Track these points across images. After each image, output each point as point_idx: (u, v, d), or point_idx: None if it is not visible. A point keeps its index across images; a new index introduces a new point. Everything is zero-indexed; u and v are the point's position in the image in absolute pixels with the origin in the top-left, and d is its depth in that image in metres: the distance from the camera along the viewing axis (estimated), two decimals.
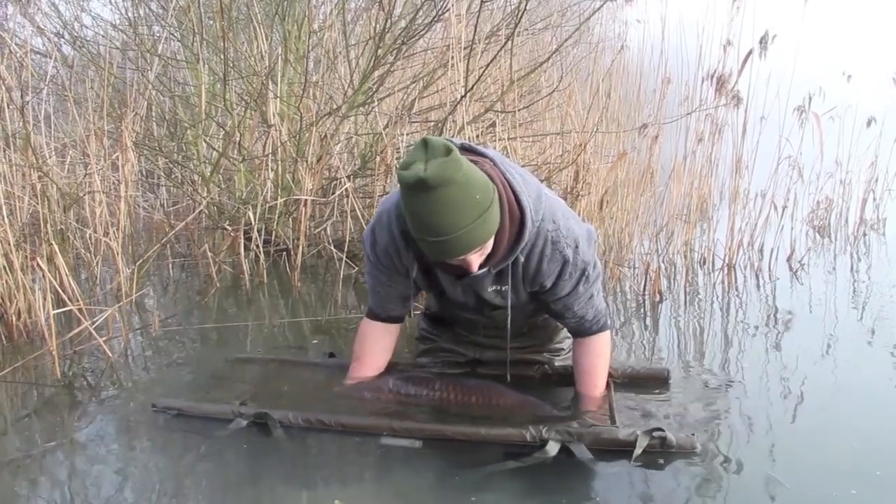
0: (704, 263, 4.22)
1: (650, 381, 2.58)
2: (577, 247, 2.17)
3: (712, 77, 4.17)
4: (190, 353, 3.01)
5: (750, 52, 3.92)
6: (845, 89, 5.08)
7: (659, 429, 2.09)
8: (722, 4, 4.60)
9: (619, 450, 2.08)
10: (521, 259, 2.15)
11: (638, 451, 2.04)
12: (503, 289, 2.24)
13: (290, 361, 2.82)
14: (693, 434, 2.12)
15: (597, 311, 2.35)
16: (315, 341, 3.14)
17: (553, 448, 2.05)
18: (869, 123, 4.86)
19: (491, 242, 2.01)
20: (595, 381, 2.40)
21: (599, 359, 2.42)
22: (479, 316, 2.49)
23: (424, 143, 1.85)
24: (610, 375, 2.47)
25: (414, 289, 2.37)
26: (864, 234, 4.87)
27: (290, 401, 2.39)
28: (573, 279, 2.22)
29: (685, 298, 3.74)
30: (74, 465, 2.11)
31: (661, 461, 2.06)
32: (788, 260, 4.23)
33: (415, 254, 2.21)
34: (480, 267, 2.08)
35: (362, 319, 2.55)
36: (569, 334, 2.53)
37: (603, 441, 2.09)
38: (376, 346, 2.52)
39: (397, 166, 3.68)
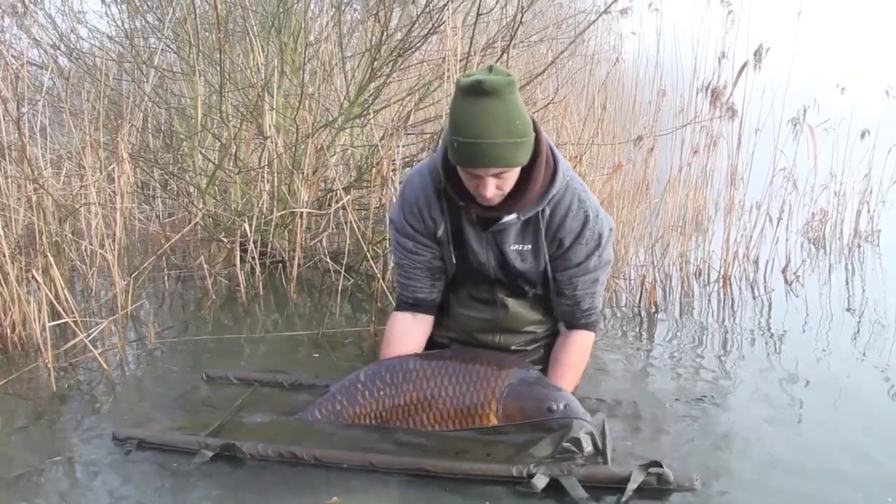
0: (700, 275, 4.23)
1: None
2: (597, 215, 2.28)
3: (707, 89, 4.19)
4: (185, 366, 2.99)
5: (745, 65, 3.93)
6: (839, 101, 5.11)
7: (656, 463, 1.97)
8: (717, 17, 4.64)
9: (614, 486, 1.96)
10: (548, 212, 2.25)
11: (632, 486, 1.92)
12: (525, 248, 2.30)
13: (270, 383, 2.68)
14: (694, 474, 2.00)
15: (593, 302, 2.41)
16: (316, 355, 3.13)
17: (541, 481, 1.94)
18: (863, 135, 4.89)
19: (511, 178, 2.11)
20: (566, 376, 2.37)
21: (579, 356, 2.44)
22: (491, 307, 2.48)
23: (490, 68, 2.06)
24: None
25: (440, 258, 2.38)
26: (859, 246, 4.89)
27: (264, 429, 2.30)
28: (588, 246, 2.29)
29: (681, 310, 3.75)
30: (69, 482, 2.09)
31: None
32: (784, 272, 4.25)
33: (443, 208, 2.30)
34: (508, 208, 2.19)
35: (391, 315, 2.53)
36: None
37: (596, 478, 1.97)
38: (403, 346, 2.43)
39: (393, 175, 3.72)
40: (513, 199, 2.18)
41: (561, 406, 2.12)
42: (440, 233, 2.33)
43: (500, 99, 1.99)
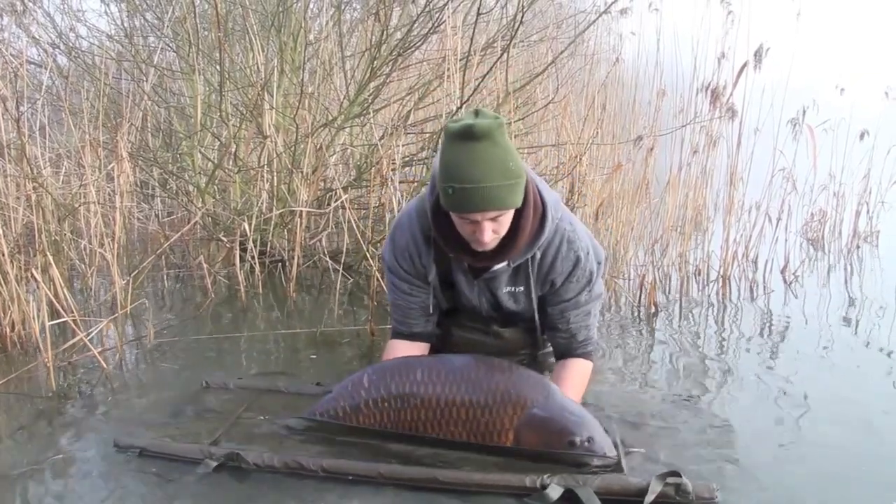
0: (699, 275, 4.23)
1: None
2: (588, 253, 2.27)
3: (707, 89, 4.19)
4: (185, 366, 2.99)
5: (744, 65, 3.94)
6: (838, 102, 5.12)
7: (674, 473, 1.90)
8: (716, 17, 4.64)
9: (631, 498, 1.91)
10: (538, 256, 2.23)
11: (650, 497, 1.86)
12: (517, 290, 2.30)
13: (270, 391, 2.61)
14: (713, 483, 1.94)
15: (588, 334, 2.39)
16: (313, 356, 3.12)
17: (555, 491, 1.88)
18: (862, 136, 4.90)
19: (507, 221, 2.08)
20: (566, 391, 2.27)
21: (580, 378, 2.38)
22: (485, 335, 2.51)
23: (476, 111, 2.03)
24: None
25: (433, 298, 2.37)
26: (858, 247, 4.90)
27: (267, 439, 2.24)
28: (580, 284, 2.29)
29: (680, 311, 3.74)
30: (68, 483, 2.08)
31: None
32: (783, 272, 4.25)
33: (433, 256, 2.28)
34: (499, 257, 2.16)
35: (388, 343, 2.53)
36: None
37: (612, 489, 1.91)
38: None
39: (393, 176, 3.72)
40: (503, 249, 2.16)
41: (584, 438, 2.01)
42: (431, 277, 2.34)
43: (491, 141, 1.96)
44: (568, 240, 2.25)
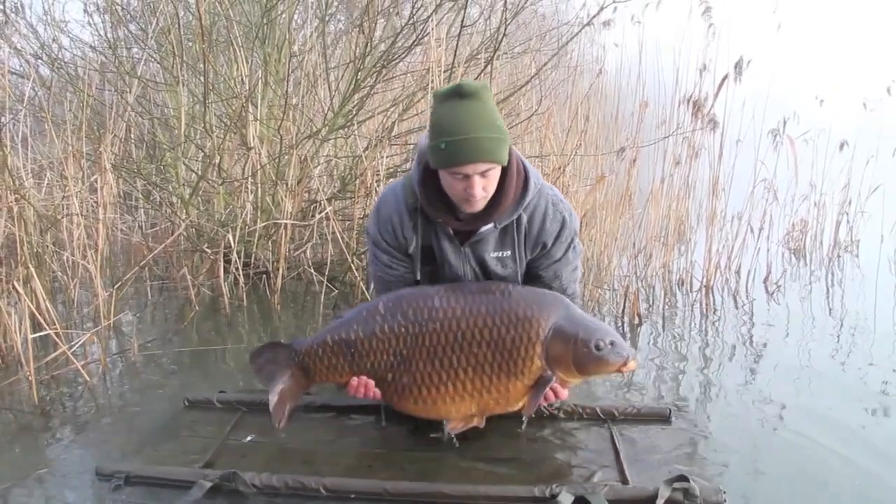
0: (682, 285, 4.26)
1: (651, 421, 2.46)
2: (570, 214, 2.37)
3: (689, 101, 4.23)
4: (169, 378, 2.98)
5: (725, 77, 3.98)
6: (818, 113, 5.18)
7: (682, 477, 1.96)
8: (698, 30, 4.69)
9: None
10: (525, 218, 2.31)
11: (660, 502, 1.91)
12: (504, 254, 2.34)
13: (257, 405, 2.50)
14: (720, 486, 1.99)
15: (575, 288, 2.50)
16: None
17: (566, 499, 1.92)
18: (841, 147, 4.95)
19: (494, 179, 2.15)
20: None
21: None
22: None
23: (468, 81, 2.17)
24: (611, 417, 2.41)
25: (413, 269, 2.38)
26: (839, 256, 4.94)
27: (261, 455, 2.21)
28: (566, 242, 2.38)
29: (664, 320, 3.76)
30: (52, 497, 2.07)
31: None
32: (765, 281, 4.28)
33: (419, 227, 2.33)
34: (485, 219, 2.23)
35: None
36: None
37: (622, 496, 1.96)
38: None
39: (377, 187, 3.72)
40: (489, 210, 2.24)
41: (607, 342, 2.10)
42: (412, 249, 2.38)
43: (479, 100, 2.09)
44: (553, 202, 2.34)
